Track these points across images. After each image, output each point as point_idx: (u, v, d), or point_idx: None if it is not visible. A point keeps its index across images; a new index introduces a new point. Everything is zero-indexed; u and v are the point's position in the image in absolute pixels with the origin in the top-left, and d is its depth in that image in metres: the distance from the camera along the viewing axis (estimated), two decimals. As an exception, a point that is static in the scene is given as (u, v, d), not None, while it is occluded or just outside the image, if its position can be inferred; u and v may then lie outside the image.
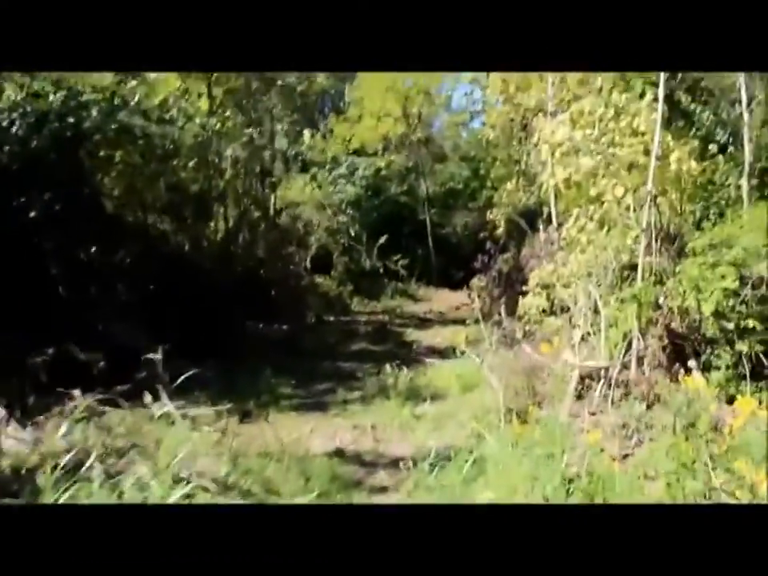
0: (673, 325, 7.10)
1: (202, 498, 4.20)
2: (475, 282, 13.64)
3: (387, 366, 9.36)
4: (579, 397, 6.87)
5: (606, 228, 8.95)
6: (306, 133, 19.65)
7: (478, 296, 13.48)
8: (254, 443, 6.13)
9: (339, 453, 6.18)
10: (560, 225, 11.66)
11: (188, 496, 4.36)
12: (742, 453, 4.70)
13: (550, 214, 13.28)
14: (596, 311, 7.84)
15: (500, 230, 16.26)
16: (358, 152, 23.29)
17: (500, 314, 11.58)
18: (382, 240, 20.36)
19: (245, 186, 13.37)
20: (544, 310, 10.66)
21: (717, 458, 4.78)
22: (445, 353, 10.00)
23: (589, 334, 7.91)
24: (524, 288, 11.07)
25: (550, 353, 6.94)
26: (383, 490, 5.14)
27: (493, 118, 16.49)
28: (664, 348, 7.02)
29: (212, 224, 13.17)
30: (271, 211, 13.77)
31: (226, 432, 6.70)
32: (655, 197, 7.47)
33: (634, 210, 8.73)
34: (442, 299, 19.45)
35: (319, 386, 8.98)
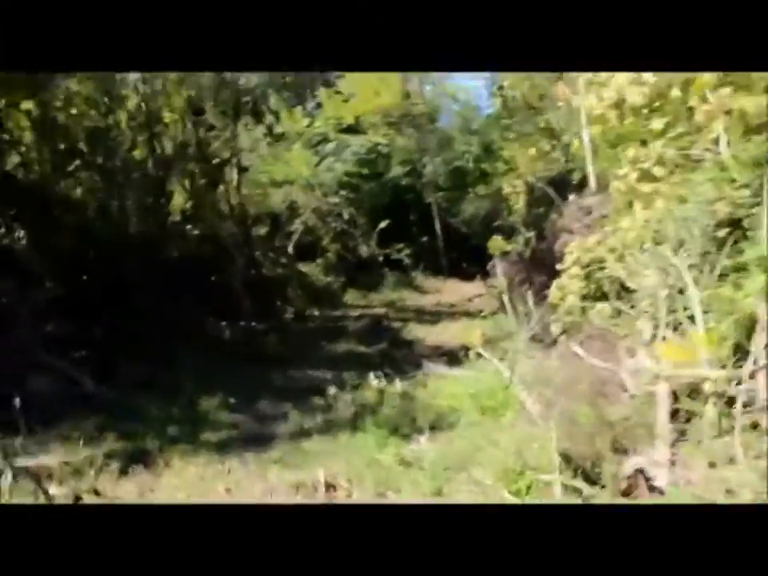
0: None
1: None
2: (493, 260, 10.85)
3: (371, 377, 6.61)
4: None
5: (686, 170, 6.21)
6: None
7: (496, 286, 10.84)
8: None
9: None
10: (600, 188, 9.11)
11: None
12: None
13: (583, 179, 10.67)
14: (680, 291, 5.15)
15: (519, 205, 13.55)
16: (352, 128, 20.45)
17: (527, 304, 8.89)
18: (383, 225, 17.48)
19: (192, 148, 10.48)
20: (586, 296, 8.02)
21: None
22: (454, 356, 7.21)
23: (668, 326, 5.21)
24: (558, 267, 8.37)
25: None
26: None
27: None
28: (811, 347, 4.22)
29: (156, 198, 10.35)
30: (234, 183, 10.98)
31: (81, 496, 4.02)
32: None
33: (729, 144, 6.03)
34: (453, 290, 16.65)
35: (267, 408, 6.18)
